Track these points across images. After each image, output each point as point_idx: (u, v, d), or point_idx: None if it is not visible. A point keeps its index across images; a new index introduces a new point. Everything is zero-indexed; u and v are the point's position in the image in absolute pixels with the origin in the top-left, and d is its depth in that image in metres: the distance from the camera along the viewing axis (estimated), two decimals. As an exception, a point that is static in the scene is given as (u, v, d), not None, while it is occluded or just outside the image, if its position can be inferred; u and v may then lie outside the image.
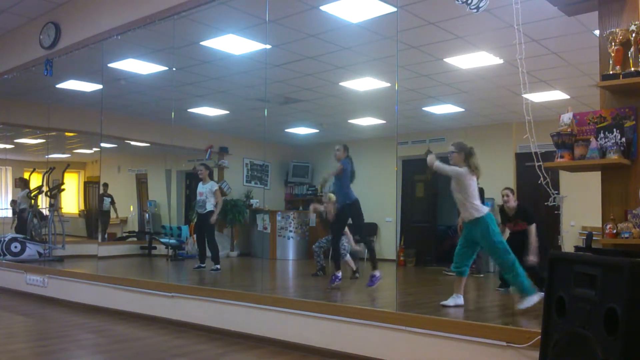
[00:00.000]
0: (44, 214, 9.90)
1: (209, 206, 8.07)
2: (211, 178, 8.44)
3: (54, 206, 9.61)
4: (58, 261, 8.73)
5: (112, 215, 11.91)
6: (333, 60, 7.08)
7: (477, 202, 5.05)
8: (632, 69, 3.16)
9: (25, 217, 10.00)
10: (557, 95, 7.70)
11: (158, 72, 8.00)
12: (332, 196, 6.86)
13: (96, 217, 11.87)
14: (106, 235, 11.67)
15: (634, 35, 3.16)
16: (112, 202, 11.84)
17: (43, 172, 10.08)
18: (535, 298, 4.80)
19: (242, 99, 9.29)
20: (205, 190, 8.08)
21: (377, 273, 6.20)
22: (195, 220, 8.63)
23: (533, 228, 6.24)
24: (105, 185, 11.72)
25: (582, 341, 2.23)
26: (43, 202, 10.12)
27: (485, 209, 5.05)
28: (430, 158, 5.10)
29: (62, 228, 9.40)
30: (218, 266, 7.95)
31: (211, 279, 7.30)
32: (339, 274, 6.44)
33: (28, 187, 10.49)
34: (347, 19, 5.81)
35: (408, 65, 6.98)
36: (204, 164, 8.49)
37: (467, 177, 5.03)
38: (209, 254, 8.17)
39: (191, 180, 12.84)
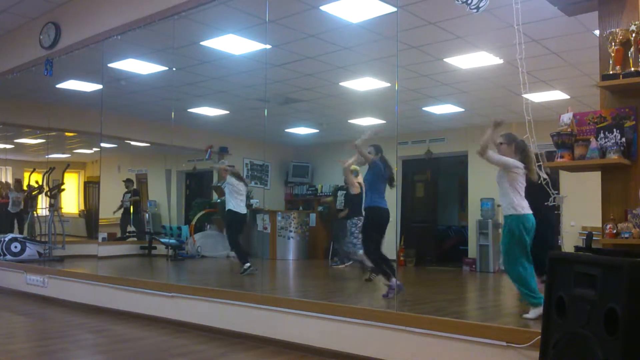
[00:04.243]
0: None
1: (230, 205, 8.00)
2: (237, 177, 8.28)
3: (54, 206, 9.62)
4: (58, 261, 8.73)
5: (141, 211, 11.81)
6: (333, 60, 7.07)
7: (520, 199, 4.54)
8: (632, 69, 3.16)
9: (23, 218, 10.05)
10: (557, 95, 7.69)
11: (158, 72, 8.00)
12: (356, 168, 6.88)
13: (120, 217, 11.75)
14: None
15: (634, 35, 3.16)
16: (136, 195, 11.60)
17: (43, 172, 10.08)
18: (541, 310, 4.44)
19: (242, 99, 9.28)
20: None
21: (392, 282, 5.54)
22: None
23: None
24: (127, 181, 11.64)
25: (582, 341, 2.23)
26: (43, 202, 10.13)
27: (526, 210, 4.53)
28: (484, 143, 4.49)
29: (62, 228, 9.41)
30: (245, 265, 7.64)
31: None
32: (393, 281, 5.56)
33: (22, 189, 10.51)
34: (347, 19, 5.81)
35: (408, 65, 6.97)
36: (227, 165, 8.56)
37: (520, 172, 4.56)
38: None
39: (191, 180, 12.86)
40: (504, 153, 4.63)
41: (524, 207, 4.53)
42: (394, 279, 5.56)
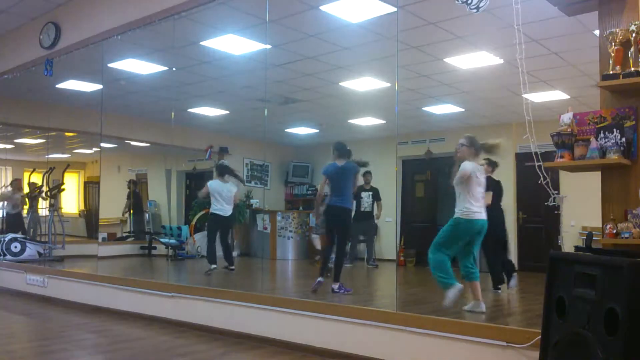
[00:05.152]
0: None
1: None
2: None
3: (54, 206, 9.61)
4: (58, 261, 8.73)
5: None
6: (333, 60, 7.07)
7: (474, 203, 4.89)
8: (632, 69, 3.16)
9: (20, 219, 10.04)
10: (557, 95, 7.69)
11: (158, 72, 8.00)
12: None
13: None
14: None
15: (634, 35, 3.16)
16: (135, 198, 11.59)
17: (43, 172, 10.08)
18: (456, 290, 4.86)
19: (242, 99, 9.29)
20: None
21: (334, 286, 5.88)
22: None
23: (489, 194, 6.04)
24: (130, 182, 11.65)
25: (582, 341, 2.23)
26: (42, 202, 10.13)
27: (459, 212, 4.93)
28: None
29: (62, 228, 9.40)
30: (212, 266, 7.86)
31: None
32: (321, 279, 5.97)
33: (21, 189, 10.47)
34: (347, 19, 5.81)
35: (408, 65, 6.97)
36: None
37: (472, 172, 4.90)
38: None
39: (191, 180, 12.85)
40: (464, 154, 5.01)
41: (475, 212, 4.91)
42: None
